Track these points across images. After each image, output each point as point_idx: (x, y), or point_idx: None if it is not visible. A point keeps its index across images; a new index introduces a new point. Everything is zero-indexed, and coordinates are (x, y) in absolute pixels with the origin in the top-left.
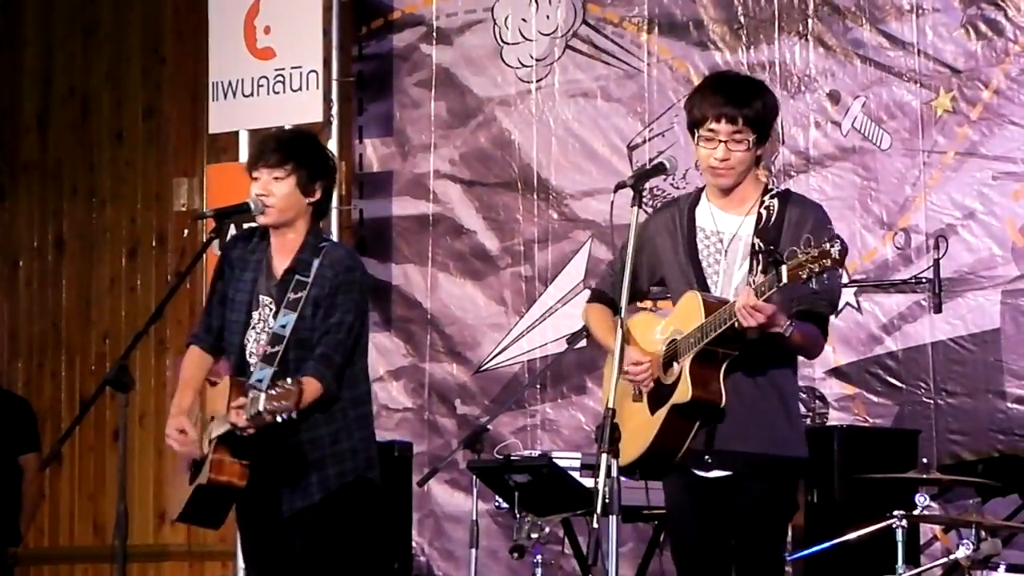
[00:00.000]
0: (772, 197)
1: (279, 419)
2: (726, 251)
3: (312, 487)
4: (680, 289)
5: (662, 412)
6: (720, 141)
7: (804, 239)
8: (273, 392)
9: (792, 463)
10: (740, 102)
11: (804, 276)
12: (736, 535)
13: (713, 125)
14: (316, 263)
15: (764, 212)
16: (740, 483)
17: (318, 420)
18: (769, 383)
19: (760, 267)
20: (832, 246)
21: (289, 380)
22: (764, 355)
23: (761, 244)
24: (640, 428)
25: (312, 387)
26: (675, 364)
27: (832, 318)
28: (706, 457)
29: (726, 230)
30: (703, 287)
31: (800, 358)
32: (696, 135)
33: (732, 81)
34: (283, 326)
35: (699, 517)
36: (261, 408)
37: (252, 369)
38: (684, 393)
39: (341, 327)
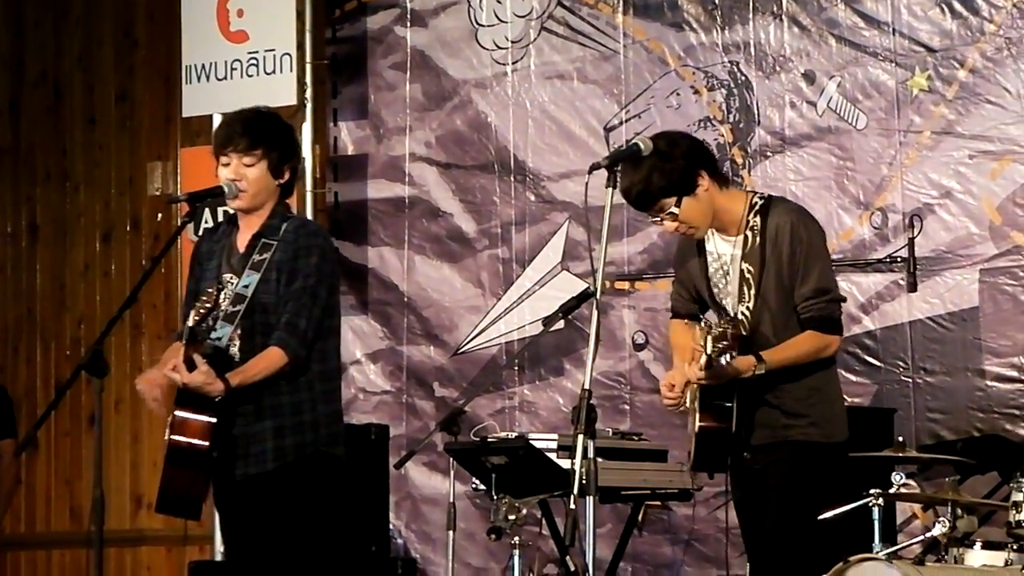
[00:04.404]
0: (756, 214)
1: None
2: (727, 274)
3: (267, 454)
4: (705, 310)
5: (695, 430)
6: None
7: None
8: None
9: (794, 445)
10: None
11: (716, 356)
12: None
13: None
14: (283, 227)
15: (749, 234)
16: (767, 471)
17: (281, 387)
18: (791, 379)
19: (752, 292)
20: (728, 327)
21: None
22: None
23: (750, 270)
24: (692, 435)
25: (275, 355)
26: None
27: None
28: (745, 454)
29: (725, 253)
30: (718, 308)
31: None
32: None
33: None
34: (245, 286)
35: (745, 506)
36: None
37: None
38: (695, 424)
39: (304, 292)
